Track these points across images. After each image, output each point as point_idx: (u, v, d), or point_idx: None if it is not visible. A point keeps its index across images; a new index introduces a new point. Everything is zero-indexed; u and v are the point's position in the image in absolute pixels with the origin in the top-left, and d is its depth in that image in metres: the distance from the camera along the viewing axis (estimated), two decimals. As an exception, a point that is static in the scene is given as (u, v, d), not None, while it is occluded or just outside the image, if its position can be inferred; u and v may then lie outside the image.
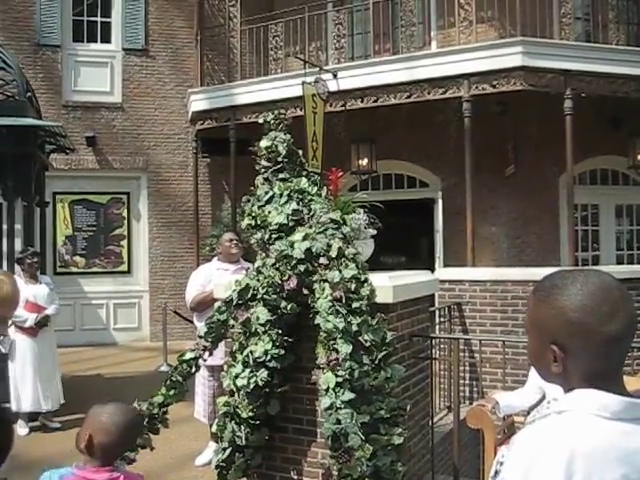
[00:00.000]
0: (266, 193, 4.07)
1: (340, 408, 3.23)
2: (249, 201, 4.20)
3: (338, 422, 3.24)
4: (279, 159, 4.19)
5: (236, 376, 3.81)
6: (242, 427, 3.91)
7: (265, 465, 4.25)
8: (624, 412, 1.26)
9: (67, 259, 11.85)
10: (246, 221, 4.08)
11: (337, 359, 3.26)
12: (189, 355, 4.10)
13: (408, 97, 9.12)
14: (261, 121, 4.40)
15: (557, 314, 1.32)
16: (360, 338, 3.28)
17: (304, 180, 4.11)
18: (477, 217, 8.86)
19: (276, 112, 4.40)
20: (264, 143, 4.22)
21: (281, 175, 4.19)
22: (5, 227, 7.10)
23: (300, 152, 4.38)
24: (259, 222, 3.98)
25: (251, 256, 6.84)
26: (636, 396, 1.32)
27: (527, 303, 1.44)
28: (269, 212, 3.96)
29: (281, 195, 4.00)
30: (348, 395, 3.24)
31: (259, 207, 4.05)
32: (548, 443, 1.25)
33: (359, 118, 9.89)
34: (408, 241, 11.71)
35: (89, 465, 2.24)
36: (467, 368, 6.36)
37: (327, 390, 3.32)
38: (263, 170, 4.22)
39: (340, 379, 3.25)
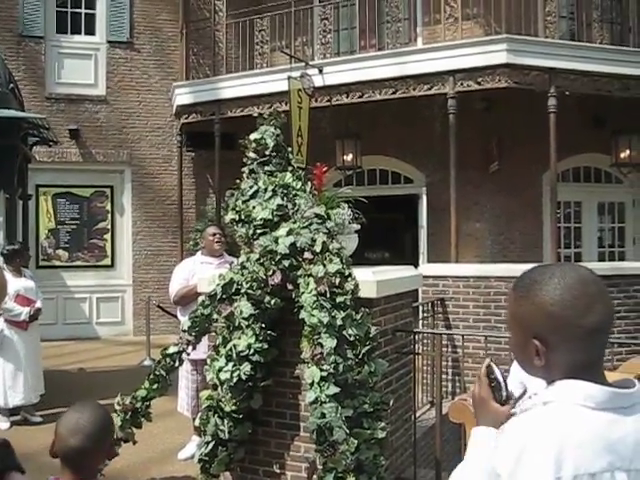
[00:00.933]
0: (250, 187, 4.07)
1: (325, 402, 3.24)
2: (233, 195, 4.20)
3: (323, 416, 3.25)
4: (266, 152, 4.19)
5: (219, 370, 3.82)
6: (225, 421, 3.91)
7: (248, 459, 4.26)
8: (608, 402, 1.29)
9: (50, 252, 11.76)
10: (230, 215, 4.08)
11: (321, 353, 3.27)
12: (173, 349, 4.10)
13: (393, 93, 9.14)
14: (255, 114, 4.38)
15: (537, 309, 1.35)
16: (344, 332, 3.30)
17: (289, 175, 4.11)
18: (461, 213, 8.90)
19: (273, 110, 4.40)
20: (254, 136, 4.22)
21: (267, 168, 4.19)
22: (-13, 219, 7.04)
23: (284, 144, 4.38)
24: (243, 217, 3.98)
25: (235, 250, 6.84)
26: (617, 385, 1.35)
27: (507, 299, 1.47)
28: (253, 207, 3.96)
29: (266, 190, 4.00)
30: (333, 389, 3.25)
31: (243, 202, 4.05)
32: (537, 434, 1.28)
33: (344, 113, 9.90)
34: (392, 237, 11.76)
35: (64, 477, 2.07)
36: (450, 363, 6.40)
37: (312, 384, 3.33)
38: (250, 162, 4.22)
39: (325, 373, 3.26)
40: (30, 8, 11.64)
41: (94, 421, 2.07)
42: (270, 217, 3.83)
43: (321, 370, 3.26)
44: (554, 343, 1.34)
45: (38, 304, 6.57)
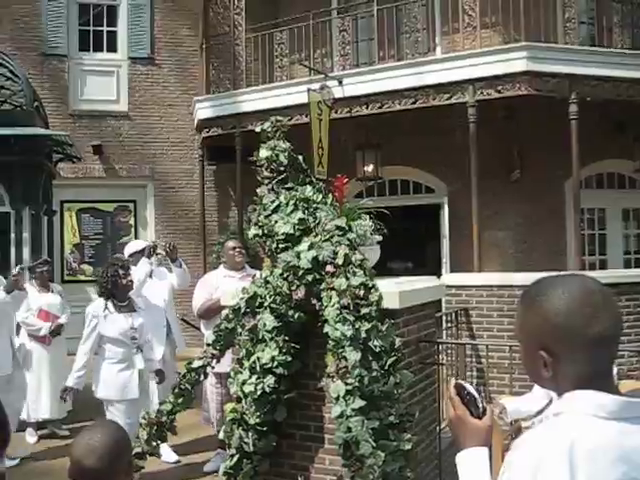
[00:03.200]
0: (272, 202, 4.08)
1: (350, 416, 3.24)
2: (255, 210, 4.21)
3: (349, 430, 3.24)
4: (281, 169, 4.20)
5: (243, 382, 3.83)
6: (249, 433, 3.92)
7: (273, 471, 4.25)
8: (621, 412, 1.28)
9: (74, 267, 11.88)
10: (253, 231, 4.09)
11: (346, 367, 3.27)
12: (197, 363, 4.12)
13: (413, 103, 9.13)
14: (258, 130, 4.38)
15: (542, 320, 1.35)
16: (369, 344, 3.29)
17: (309, 188, 4.12)
18: (483, 222, 8.85)
19: (272, 119, 4.37)
20: (264, 153, 4.21)
21: (287, 185, 4.20)
22: (13, 236, 7.15)
23: (302, 159, 4.38)
24: (266, 231, 3.99)
25: (256, 263, 6.87)
26: (630, 395, 1.34)
27: (516, 312, 1.48)
28: (275, 222, 3.97)
29: (287, 204, 4.01)
30: (358, 403, 3.24)
31: (266, 217, 4.06)
32: (550, 446, 1.27)
33: (364, 124, 9.90)
34: (414, 247, 11.72)
35: None
36: (474, 374, 6.35)
37: (337, 398, 3.33)
38: (267, 181, 4.22)
39: (350, 387, 3.26)
40: (53, 27, 11.83)
41: (107, 441, 2.04)
42: (292, 231, 3.84)
43: (346, 384, 3.26)
44: (560, 354, 1.34)
45: (61, 320, 6.62)
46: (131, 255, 6.11)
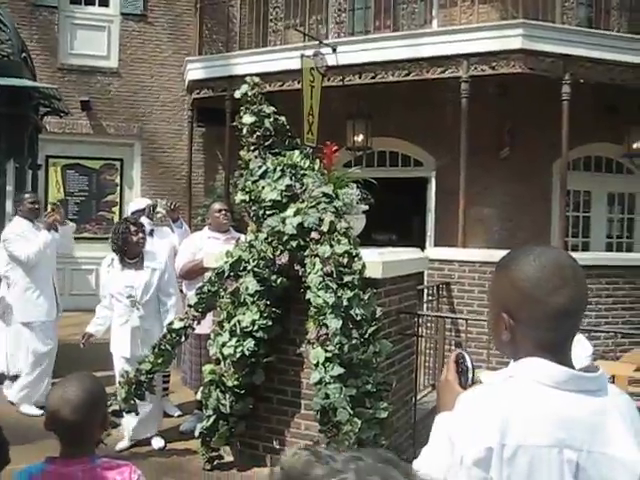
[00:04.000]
0: (259, 168, 4.04)
1: (329, 383, 3.26)
2: (242, 176, 4.17)
3: (327, 397, 3.27)
4: (267, 134, 4.15)
5: (223, 345, 3.85)
6: (227, 395, 3.95)
7: (248, 434, 4.30)
8: (567, 383, 1.32)
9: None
10: (240, 196, 4.06)
11: (327, 334, 3.29)
12: (178, 324, 4.12)
13: (407, 75, 9.07)
14: (237, 95, 4.29)
15: (509, 283, 1.40)
16: (351, 312, 3.30)
17: (297, 153, 4.09)
18: (470, 198, 8.86)
19: (249, 79, 4.28)
20: (248, 119, 4.13)
21: (273, 150, 4.16)
22: (-4, 188, 7.05)
23: (284, 120, 4.30)
24: (253, 197, 3.97)
25: (241, 226, 6.84)
26: (587, 371, 1.38)
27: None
28: (263, 187, 3.94)
29: (274, 170, 3.98)
30: (337, 370, 3.26)
31: (253, 182, 4.03)
32: (488, 402, 1.33)
33: (356, 94, 9.84)
34: (400, 219, 11.74)
35: (61, 455, 2.08)
36: (452, 347, 6.42)
37: (316, 365, 3.35)
38: (253, 147, 4.17)
39: (329, 354, 3.28)
40: (45, -23, 11.58)
41: (81, 393, 2.07)
42: (279, 198, 3.82)
43: (326, 351, 3.28)
44: (521, 319, 1.38)
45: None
46: (133, 213, 6.08)
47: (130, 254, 5.05)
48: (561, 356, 1.37)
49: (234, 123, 4.31)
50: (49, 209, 6.12)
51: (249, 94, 4.21)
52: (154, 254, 5.23)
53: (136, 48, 12.04)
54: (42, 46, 11.52)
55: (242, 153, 4.26)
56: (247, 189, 3.98)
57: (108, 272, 5.14)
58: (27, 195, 6.41)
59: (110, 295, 5.16)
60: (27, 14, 11.46)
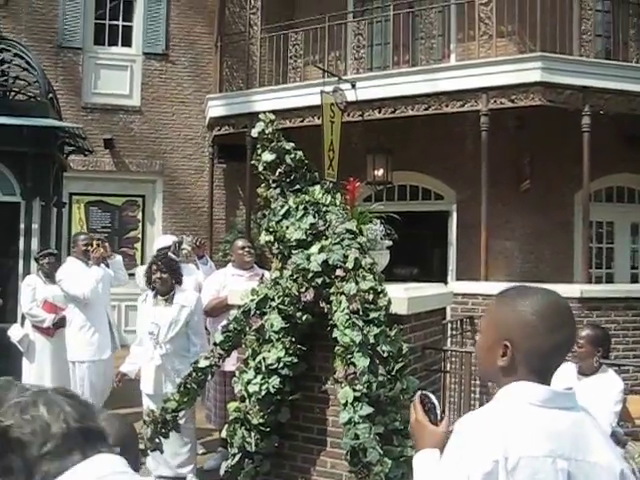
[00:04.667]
0: (281, 207, 4.03)
1: (358, 423, 3.23)
2: (264, 216, 4.16)
3: (356, 437, 3.23)
4: (289, 170, 4.13)
5: (248, 382, 3.83)
6: (252, 433, 3.91)
7: (274, 472, 4.25)
8: (551, 401, 1.50)
9: (81, 260, 11.88)
10: (265, 237, 4.05)
11: (355, 373, 3.26)
12: (204, 363, 4.11)
13: (426, 109, 9.13)
14: (255, 134, 4.24)
15: (517, 316, 1.57)
16: (378, 349, 3.28)
17: (317, 189, 4.08)
18: (491, 231, 8.84)
19: (262, 117, 4.26)
20: (268, 157, 4.11)
21: (295, 187, 4.15)
22: (22, 226, 7.15)
23: (303, 157, 4.27)
24: (277, 237, 3.97)
25: (264, 262, 6.85)
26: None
27: (488, 307, 1.71)
28: (287, 227, 3.93)
29: (297, 208, 3.97)
30: (366, 409, 3.23)
31: (276, 222, 4.02)
32: (487, 423, 1.49)
33: (376, 129, 9.90)
34: (421, 253, 11.71)
35: None
36: (478, 382, 6.34)
37: (345, 405, 3.32)
38: (275, 185, 4.16)
39: (358, 393, 3.25)
40: (69, 20, 11.88)
41: (112, 434, 2.06)
42: (304, 237, 3.81)
43: (354, 390, 3.25)
44: (523, 347, 1.55)
45: (65, 312, 6.58)
46: (158, 250, 6.13)
47: (159, 291, 5.10)
48: (549, 379, 1.57)
49: (252, 161, 4.31)
50: (94, 244, 6.19)
51: (266, 131, 4.20)
52: (186, 292, 5.25)
53: (158, 86, 12.25)
54: (67, 86, 11.76)
55: (260, 190, 4.26)
56: (271, 229, 3.98)
57: (140, 308, 5.19)
58: (82, 237, 6.54)
59: (142, 331, 5.19)
60: (53, 55, 11.74)
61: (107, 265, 6.35)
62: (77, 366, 6.10)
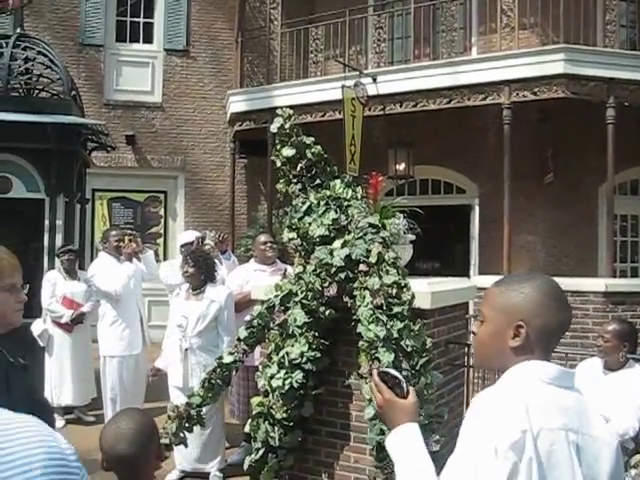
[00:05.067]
0: (303, 203, 4.02)
1: (383, 418, 3.22)
2: (287, 214, 4.15)
3: (382, 432, 3.22)
4: (310, 165, 4.12)
5: (271, 377, 3.83)
6: (276, 428, 3.92)
7: (297, 467, 4.26)
8: (558, 379, 1.59)
9: (104, 255, 11.98)
10: (288, 235, 4.04)
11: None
12: (228, 359, 4.12)
13: (448, 102, 9.08)
14: (274, 129, 4.23)
15: (527, 297, 1.64)
16: (402, 343, 3.27)
17: (338, 184, 4.06)
18: (514, 225, 8.78)
19: (280, 112, 4.24)
20: (288, 152, 4.09)
21: (316, 182, 4.13)
22: (47, 223, 7.22)
23: (322, 151, 4.25)
24: (301, 234, 3.96)
25: (286, 257, 6.85)
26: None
27: (488, 295, 1.73)
28: (309, 224, 3.92)
29: (318, 204, 3.95)
30: None
31: (299, 219, 4.01)
32: (507, 398, 1.54)
33: (397, 123, 9.87)
34: (443, 247, 11.64)
35: None
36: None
37: (370, 400, 3.31)
38: (296, 180, 4.14)
39: (383, 388, 3.24)
40: (91, 17, 11.97)
41: (134, 427, 2.09)
42: (327, 233, 3.80)
43: (379, 386, 3.24)
44: (536, 326, 1.62)
45: (84, 308, 6.60)
46: (182, 246, 6.16)
47: (191, 285, 5.14)
48: (549, 357, 1.66)
49: (272, 158, 4.30)
50: (126, 240, 6.23)
51: (285, 127, 4.18)
52: (217, 287, 5.28)
53: (179, 83, 12.30)
54: (89, 83, 11.86)
55: (279, 186, 4.25)
56: (294, 226, 3.97)
57: (172, 302, 5.24)
58: (113, 232, 6.58)
59: (171, 325, 5.22)
60: (75, 53, 11.83)
61: (139, 260, 6.39)
62: (108, 361, 6.16)
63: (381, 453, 3.29)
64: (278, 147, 4.18)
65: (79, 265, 7.03)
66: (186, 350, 5.02)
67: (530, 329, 1.62)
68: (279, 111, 4.21)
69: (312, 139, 4.20)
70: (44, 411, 2.04)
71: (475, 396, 1.64)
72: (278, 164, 4.20)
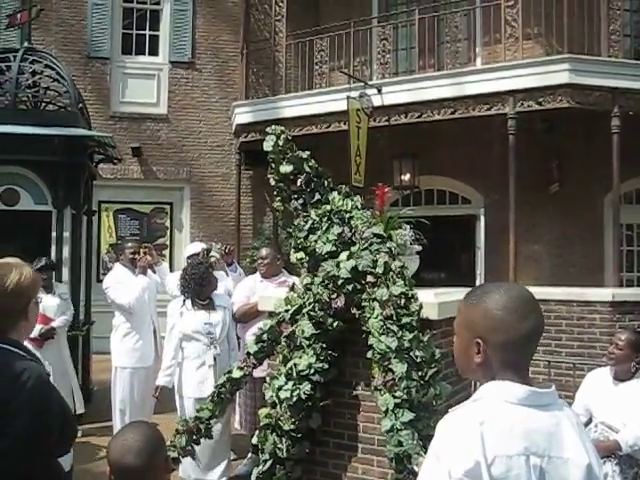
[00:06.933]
0: (306, 222, 4.00)
1: (401, 429, 3.21)
2: (291, 235, 4.10)
3: (400, 444, 3.22)
4: (308, 179, 4.08)
5: (279, 388, 3.83)
6: (283, 439, 3.92)
7: (305, 478, 4.25)
8: (527, 399, 1.56)
9: (110, 267, 11.98)
10: (296, 255, 4.03)
11: (393, 379, 3.25)
12: (238, 373, 4.12)
13: (452, 113, 9.10)
14: (267, 147, 4.12)
15: (484, 312, 1.63)
16: (412, 354, 3.27)
17: (336, 196, 4.04)
18: (520, 235, 8.78)
19: (269, 130, 4.20)
20: (286, 168, 4.04)
21: (315, 197, 4.09)
22: (54, 235, 7.24)
23: (316, 164, 4.22)
24: (309, 252, 3.95)
25: (290, 267, 6.86)
26: (539, 387, 1.62)
27: (458, 309, 1.75)
28: (315, 242, 3.90)
29: (321, 221, 3.93)
30: (408, 415, 3.21)
31: (304, 238, 3.98)
32: (465, 423, 1.54)
33: (402, 133, 9.89)
34: (449, 257, 11.63)
35: None
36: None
37: (386, 412, 3.31)
38: (296, 196, 4.11)
39: (398, 400, 3.23)
40: (97, 30, 12.06)
41: (141, 440, 2.07)
42: (334, 248, 3.80)
43: (394, 397, 3.23)
44: (494, 342, 1.61)
45: (54, 323, 6.30)
46: (188, 257, 6.16)
47: (203, 295, 5.14)
48: (524, 373, 1.63)
49: (268, 175, 4.24)
50: (141, 252, 6.21)
51: (279, 143, 4.14)
52: (220, 295, 5.32)
53: (184, 94, 12.37)
54: (95, 95, 11.92)
55: (276, 205, 4.21)
56: (300, 246, 3.96)
57: (181, 314, 5.18)
58: (129, 244, 6.55)
59: (181, 337, 5.17)
60: (81, 66, 11.91)
61: (154, 271, 6.38)
62: (119, 371, 6.13)
63: (400, 464, 3.28)
64: (274, 165, 4.15)
65: (57, 278, 6.87)
66: (215, 357, 5.04)
67: (489, 346, 1.61)
68: (269, 129, 4.19)
69: (308, 152, 4.18)
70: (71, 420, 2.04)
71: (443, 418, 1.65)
72: (272, 183, 4.16)
